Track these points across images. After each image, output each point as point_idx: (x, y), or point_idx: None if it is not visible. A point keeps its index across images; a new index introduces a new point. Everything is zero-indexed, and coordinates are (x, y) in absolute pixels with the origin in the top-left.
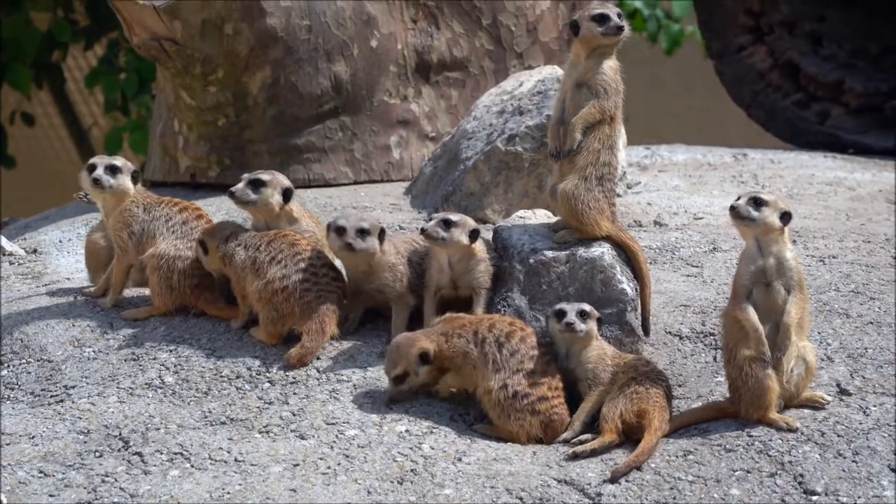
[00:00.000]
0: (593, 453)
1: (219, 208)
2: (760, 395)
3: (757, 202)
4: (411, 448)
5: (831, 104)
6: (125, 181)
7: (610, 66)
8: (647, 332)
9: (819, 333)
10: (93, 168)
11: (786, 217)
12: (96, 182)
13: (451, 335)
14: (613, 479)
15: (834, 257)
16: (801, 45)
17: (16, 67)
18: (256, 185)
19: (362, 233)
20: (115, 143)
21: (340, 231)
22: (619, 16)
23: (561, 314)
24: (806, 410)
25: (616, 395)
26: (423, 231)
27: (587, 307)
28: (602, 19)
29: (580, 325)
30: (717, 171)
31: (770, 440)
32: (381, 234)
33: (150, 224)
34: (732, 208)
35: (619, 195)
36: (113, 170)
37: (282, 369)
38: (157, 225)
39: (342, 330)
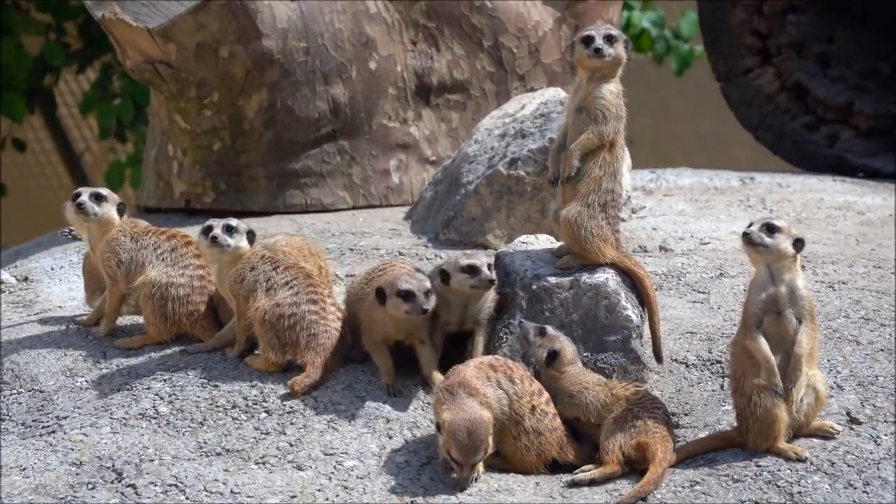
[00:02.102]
0: (592, 483)
1: None
2: (769, 425)
3: (770, 228)
4: (411, 479)
5: (840, 127)
6: (110, 210)
7: (610, 90)
8: (659, 359)
9: (829, 361)
10: (77, 195)
11: (798, 244)
12: (80, 208)
13: (478, 392)
14: None
15: (844, 283)
16: (810, 67)
17: (9, 95)
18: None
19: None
20: (117, 180)
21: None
22: (606, 38)
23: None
24: (815, 440)
25: (613, 428)
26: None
27: None
28: (587, 41)
29: None
30: (723, 195)
31: (779, 470)
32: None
33: (137, 253)
34: (745, 235)
35: (623, 220)
36: (98, 198)
37: (279, 398)
38: (145, 254)
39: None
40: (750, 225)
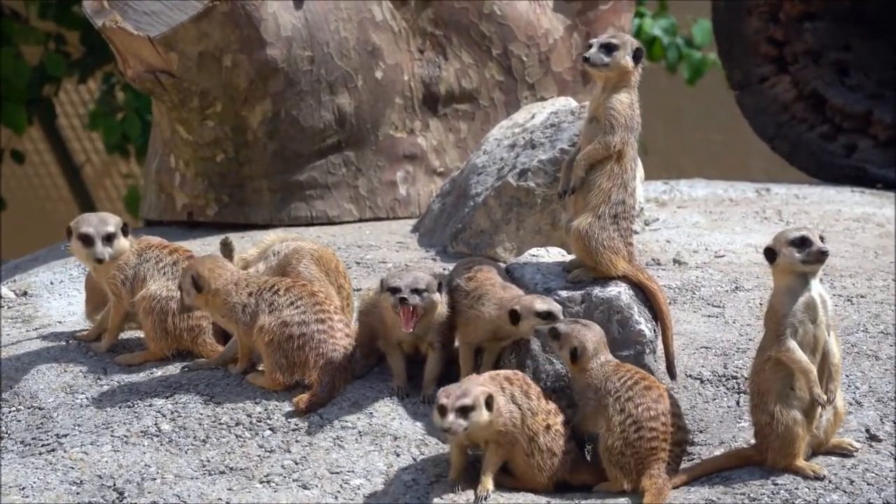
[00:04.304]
0: None
1: (217, 248)
2: (790, 443)
3: (822, 241)
4: (419, 498)
5: (858, 136)
6: (122, 243)
7: (620, 99)
8: (672, 376)
9: (847, 376)
10: (89, 242)
11: None
12: (99, 261)
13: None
14: None
15: (862, 297)
16: (827, 75)
17: (9, 106)
18: None
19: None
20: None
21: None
22: (604, 46)
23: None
24: (834, 458)
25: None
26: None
27: None
28: (587, 49)
29: None
30: (739, 206)
31: (796, 489)
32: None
33: (140, 267)
34: (824, 253)
35: (636, 232)
36: (109, 239)
37: (284, 415)
38: (146, 267)
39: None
40: (810, 242)
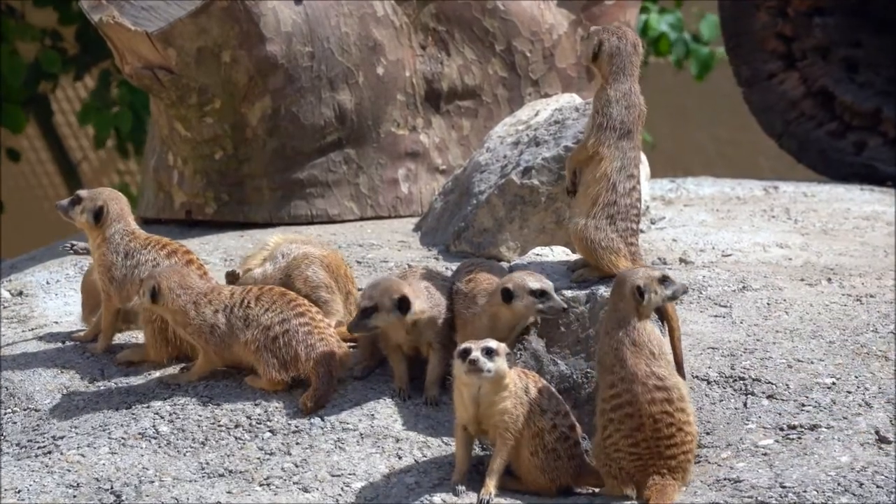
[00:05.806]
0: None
1: (216, 247)
2: None
3: None
4: (421, 501)
5: (868, 134)
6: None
7: (601, 97)
8: (682, 377)
9: (856, 378)
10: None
11: None
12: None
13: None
14: None
15: (872, 296)
16: (836, 72)
17: (8, 107)
18: None
19: None
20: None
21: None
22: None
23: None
24: (843, 460)
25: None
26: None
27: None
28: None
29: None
30: (746, 205)
31: (805, 491)
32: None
33: (134, 270)
34: None
35: (642, 231)
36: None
37: (285, 416)
38: (143, 271)
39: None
40: None
